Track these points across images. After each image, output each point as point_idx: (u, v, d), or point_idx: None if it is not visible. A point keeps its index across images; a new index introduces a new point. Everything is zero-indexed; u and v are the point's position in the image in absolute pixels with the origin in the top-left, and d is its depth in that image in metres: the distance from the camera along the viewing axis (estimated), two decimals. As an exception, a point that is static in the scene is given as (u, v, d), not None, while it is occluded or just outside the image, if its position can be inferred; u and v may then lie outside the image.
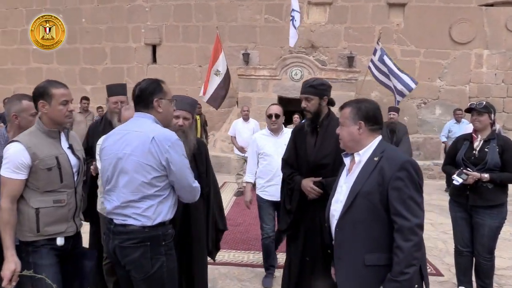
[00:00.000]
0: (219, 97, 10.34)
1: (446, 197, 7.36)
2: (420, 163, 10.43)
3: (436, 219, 6.68)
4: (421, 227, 1.93)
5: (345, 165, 2.23)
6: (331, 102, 3.11)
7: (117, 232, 2.27)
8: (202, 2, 12.05)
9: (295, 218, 3.15)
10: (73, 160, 2.45)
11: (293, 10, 9.72)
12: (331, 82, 11.01)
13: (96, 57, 12.63)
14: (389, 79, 9.43)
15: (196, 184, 2.39)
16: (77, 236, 2.52)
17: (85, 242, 2.86)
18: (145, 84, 2.34)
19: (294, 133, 3.31)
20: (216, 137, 11.59)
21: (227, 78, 10.35)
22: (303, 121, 3.52)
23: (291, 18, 9.79)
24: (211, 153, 9.93)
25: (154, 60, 12.49)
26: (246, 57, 10.59)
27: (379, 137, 2.12)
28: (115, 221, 2.30)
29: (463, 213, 3.73)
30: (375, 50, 9.61)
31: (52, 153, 2.35)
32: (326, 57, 11.65)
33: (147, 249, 2.24)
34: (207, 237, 3.15)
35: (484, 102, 3.68)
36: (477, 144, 3.63)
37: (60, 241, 2.37)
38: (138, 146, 2.22)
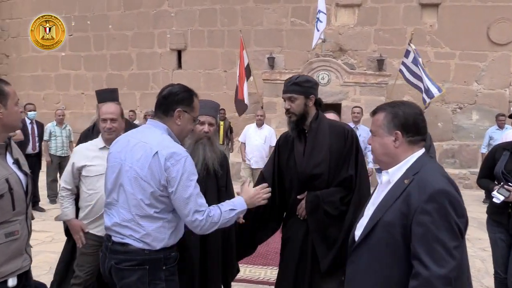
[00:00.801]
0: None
1: (484, 209, 6.88)
2: (455, 171, 9.89)
3: (473, 234, 6.17)
4: (445, 281, 1.46)
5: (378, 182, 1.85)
6: (319, 103, 2.69)
7: (114, 250, 2.05)
8: (227, 6, 11.88)
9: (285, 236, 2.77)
10: (23, 179, 1.95)
11: (319, 11, 9.38)
12: (360, 87, 10.60)
13: (123, 63, 12.66)
14: (421, 80, 8.91)
15: (195, 217, 1.99)
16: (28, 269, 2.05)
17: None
18: (177, 89, 2.13)
19: (278, 142, 2.90)
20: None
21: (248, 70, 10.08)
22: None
23: (316, 19, 9.46)
24: (235, 160, 9.76)
25: (180, 65, 12.41)
26: (271, 61, 10.32)
27: (420, 152, 1.69)
28: (113, 238, 2.07)
29: (504, 235, 3.26)
30: (408, 52, 9.15)
31: (1, 174, 1.83)
32: (355, 60, 11.24)
33: (146, 272, 2.00)
34: (224, 262, 2.84)
35: None
36: None
37: (12, 282, 1.88)
38: (140, 160, 2.00)
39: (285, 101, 2.67)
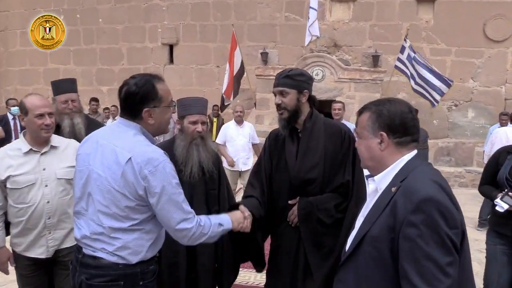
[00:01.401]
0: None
1: (479, 208, 6.75)
2: (451, 169, 9.76)
3: (470, 235, 5.92)
4: None
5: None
6: (313, 100, 2.47)
7: (85, 264, 1.81)
8: (220, 0, 11.64)
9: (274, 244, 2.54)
10: None
11: (310, 8, 9.18)
12: (355, 83, 10.42)
13: (113, 57, 12.39)
14: (421, 80, 8.70)
15: (183, 226, 1.80)
16: None
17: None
18: (134, 87, 1.79)
19: (268, 141, 2.63)
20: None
21: (240, 74, 9.89)
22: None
23: (308, 17, 9.28)
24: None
25: (171, 60, 12.16)
26: (265, 57, 10.12)
27: (411, 154, 1.49)
28: (83, 250, 1.84)
29: (506, 247, 2.90)
30: (403, 48, 8.97)
31: None
32: (350, 56, 11.06)
33: None
34: (218, 271, 2.63)
35: None
36: None
37: None
38: (110, 167, 1.75)
39: (275, 95, 2.43)
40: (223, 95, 9.55)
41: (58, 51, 12.71)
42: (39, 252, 2.47)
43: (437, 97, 8.60)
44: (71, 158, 2.42)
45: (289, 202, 2.43)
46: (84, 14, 12.54)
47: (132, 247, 1.77)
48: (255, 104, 10.53)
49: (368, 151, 1.53)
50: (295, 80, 2.38)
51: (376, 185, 1.51)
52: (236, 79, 9.73)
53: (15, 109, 7.04)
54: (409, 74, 8.81)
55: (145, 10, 12.12)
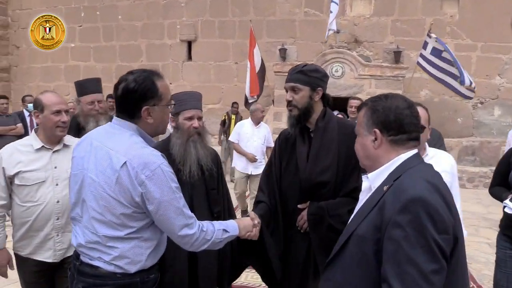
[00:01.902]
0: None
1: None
2: (475, 169, 9.44)
3: (494, 238, 5.78)
4: None
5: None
6: (327, 99, 2.33)
7: (82, 272, 1.73)
8: (239, -4, 11.54)
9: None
10: None
11: (332, 1, 9.01)
12: (376, 80, 10.14)
13: (132, 54, 12.42)
14: (451, 73, 8.39)
15: (185, 232, 1.69)
16: None
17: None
18: (133, 83, 1.67)
19: (278, 142, 2.48)
20: (252, 137, 11.06)
21: (263, 71, 9.81)
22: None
23: (330, 11, 9.11)
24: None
25: (190, 57, 12.12)
26: (283, 53, 9.95)
27: (409, 153, 1.39)
28: (81, 257, 1.75)
29: None
30: (425, 44, 8.69)
31: None
32: (371, 52, 10.80)
33: None
34: (219, 274, 2.50)
35: None
36: None
37: None
38: (104, 171, 1.64)
39: (287, 91, 2.28)
40: (247, 93, 9.51)
41: (79, 48, 12.92)
42: (46, 255, 2.39)
43: (470, 94, 8.34)
44: None
45: (299, 206, 2.29)
46: (104, 11, 12.62)
47: (130, 256, 1.67)
48: (273, 101, 10.41)
49: (363, 149, 1.46)
50: (308, 76, 2.23)
51: (369, 183, 1.44)
52: (260, 76, 9.70)
53: (31, 106, 7.11)
54: (431, 70, 8.54)
55: (164, 7, 12.11)
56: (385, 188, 1.32)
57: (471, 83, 8.29)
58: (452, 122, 9.73)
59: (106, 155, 1.66)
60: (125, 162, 1.61)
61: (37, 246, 2.38)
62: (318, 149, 2.25)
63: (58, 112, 2.36)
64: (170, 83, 12.18)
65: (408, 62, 9.80)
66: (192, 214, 1.75)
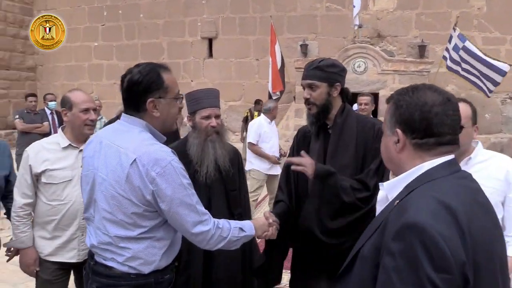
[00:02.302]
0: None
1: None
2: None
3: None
4: None
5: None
6: (346, 93, 2.22)
7: (97, 272, 1.71)
8: (260, -8, 11.46)
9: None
10: None
11: None
12: (399, 75, 9.88)
13: (154, 52, 12.50)
14: (473, 69, 8.12)
15: (199, 229, 1.65)
16: None
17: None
18: (137, 75, 1.64)
19: (296, 139, 2.41)
20: (273, 134, 11.00)
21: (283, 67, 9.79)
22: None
23: (353, 5, 8.98)
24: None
25: (211, 54, 12.13)
26: (304, 49, 9.83)
27: (435, 161, 1.13)
28: (95, 257, 1.74)
29: None
30: (451, 37, 8.43)
31: None
32: (394, 47, 10.57)
33: None
34: (243, 279, 2.42)
35: None
36: None
37: None
38: (114, 170, 1.61)
39: (304, 88, 2.19)
40: (270, 90, 9.46)
41: (102, 47, 13.09)
42: (69, 256, 2.37)
43: (491, 87, 8.01)
44: None
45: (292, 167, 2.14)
46: (126, 10, 12.74)
47: (143, 257, 1.64)
48: (294, 97, 10.30)
49: (386, 151, 1.24)
50: (325, 72, 2.13)
51: (385, 193, 1.25)
52: (282, 72, 9.65)
53: (52, 104, 7.20)
54: (450, 65, 8.30)
55: (184, 4, 12.14)
56: (396, 203, 1.12)
57: (503, 72, 7.92)
58: (480, 118, 9.33)
59: (115, 153, 1.63)
60: (134, 160, 1.57)
61: (59, 247, 2.37)
62: (335, 147, 2.16)
63: (86, 110, 2.37)
64: (191, 81, 12.23)
65: (433, 56, 9.54)
66: (206, 211, 1.71)
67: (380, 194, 1.29)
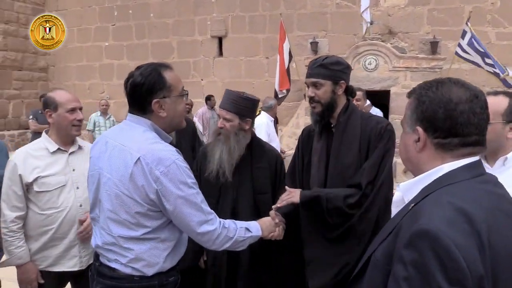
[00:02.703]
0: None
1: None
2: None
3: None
4: None
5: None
6: (350, 91, 2.20)
7: (101, 273, 1.71)
8: (269, -10, 11.41)
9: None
10: None
11: None
12: (411, 72, 9.78)
13: (164, 51, 12.53)
14: (484, 58, 8.05)
15: (205, 229, 1.63)
16: None
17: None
18: (139, 78, 1.63)
19: (301, 138, 2.39)
20: (283, 132, 10.96)
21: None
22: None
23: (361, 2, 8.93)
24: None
25: (220, 53, 12.11)
26: (315, 46, 9.77)
27: (458, 163, 1.05)
28: (100, 258, 1.73)
29: None
30: (464, 33, 8.31)
31: None
32: (406, 43, 10.44)
33: None
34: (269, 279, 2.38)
35: None
36: None
37: None
38: (118, 169, 1.60)
39: (308, 87, 2.16)
40: (276, 88, 9.42)
41: (112, 46, 13.15)
42: (71, 264, 2.28)
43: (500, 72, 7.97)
44: None
45: (273, 207, 2.14)
46: (136, 9, 12.78)
47: (146, 258, 1.63)
48: (304, 95, 10.24)
49: (405, 150, 1.16)
50: (330, 70, 2.11)
51: (402, 194, 1.17)
52: (289, 70, 9.60)
53: None
54: (472, 60, 8.18)
55: (194, 3, 12.14)
56: (411, 206, 1.05)
57: (504, 71, 7.91)
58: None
59: (119, 152, 1.63)
60: (138, 158, 1.56)
61: (58, 256, 2.26)
62: (339, 146, 2.13)
63: (73, 110, 2.26)
64: (201, 80, 12.24)
65: (445, 53, 9.41)
66: (212, 211, 1.70)
67: (396, 195, 1.22)
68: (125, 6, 12.92)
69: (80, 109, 2.33)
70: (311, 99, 2.14)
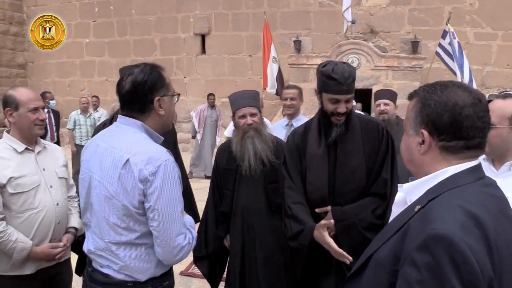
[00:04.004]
0: (278, 84, 9.69)
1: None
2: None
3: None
4: None
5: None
6: None
7: (94, 279, 1.68)
8: (253, -12, 11.41)
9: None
10: None
11: None
12: (392, 71, 9.94)
13: (146, 48, 12.42)
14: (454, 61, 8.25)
15: (177, 242, 1.57)
16: None
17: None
18: (141, 76, 1.59)
19: (288, 147, 2.36)
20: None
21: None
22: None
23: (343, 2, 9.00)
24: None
25: (203, 50, 12.06)
26: (298, 45, 9.82)
27: (462, 166, 1.08)
28: (93, 264, 1.70)
29: None
30: (445, 33, 8.47)
31: None
32: (387, 43, 10.59)
33: None
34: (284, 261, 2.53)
35: None
36: None
37: None
38: (108, 171, 1.58)
39: (337, 102, 2.10)
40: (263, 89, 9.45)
41: (93, 43, 12.96)
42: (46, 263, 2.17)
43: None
44: (61, 157, 2.31)
45: (317, 210, 2.17)
46: (117, 5, 12.62)
47: (137, 264, 1.60)
48: (288, 94, 10.29)
49: (408, 152, 1.17)
50: (353, 84, 2.14)
51: (404, 195, 1.19)
52: (279, 76, 9.60)
53: (53, 103, 7.11)
54: (448, 61, 8.36)
55: (177, 0, 12.05)
56: (417, 208, 1.05)
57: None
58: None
59: (109, 155, 1.61)
60: (128, 160, 1.54)
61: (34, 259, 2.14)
62: (345, 151, 2.16)
63: (35, 109, 2.13)
64: (184, 77, 12.17)
65: (426, 52, 9.58)
66: (186, 225, 1.66)
67: (398, 196, 1.23)
68: (106, 2, 12.74)
69: (43, 108, 2.22)
70: (343, 114, 2.11)
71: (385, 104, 3.74)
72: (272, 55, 9.44)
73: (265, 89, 9.58)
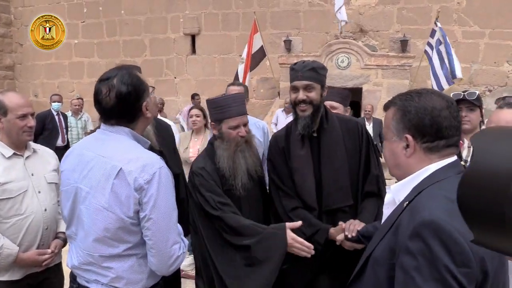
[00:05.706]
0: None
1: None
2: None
3: None
4: None
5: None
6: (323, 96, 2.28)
7: None
8: (242, -12, 11.40)
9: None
10: None
11: None
12: (382, 70, 9.98)
13: (136, 49, 12.34)
14: (443, 61, 8.37)
15: (173, 251, 1.54)
16: None
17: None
18: (125, 87, 1.53)
19: (271, 152, 2.34)
20: (258, 130, 10.99)
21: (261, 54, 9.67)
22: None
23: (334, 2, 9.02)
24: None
25: (194, 50, 12.02)
26: (288, 45, 9.86)
27: (442, 162, 1.18)
28: (78, 280, 1.64)
29: None
30: (433, 32, 8.56)
31: None
32: (377, 42, 10.66)
33: None
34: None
35: (477, 92, 2.44)
36: (466, 153, 2.42)
37: None
38: (98, 182, 1.51)
39: (297, 90, 2.15)
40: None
41: (82, 44, 12.85)
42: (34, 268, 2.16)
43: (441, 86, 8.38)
44: (53, 162, 2.27)
45: (337, 238, 2.08)
46: (106, 6, 12.52)
47: (128, 276, 1.54)
48: (278, 93, 10.31)
49: (393, 157, 1.25)
50: (319, 74, 2.17)
51: (392, 196, 1.27)
52: (255, 57, 9.51)
53: (55, 105, 6.99)
54: (433, 60, 8.49)
55: (166, 0, 12.00)
56: (405, 204, 1.15)
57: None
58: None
59: (99, 164, 1.53)
60: (120, 169, 1.48)
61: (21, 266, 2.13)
62: (328, 149, 2.17)
63: (24, 116, 2.10)
64: (175, 77, 12.13)
65: (415, 51, 9.66)
66: (181, 230, 1.65)
67: (387, 197, 1.30)
68: (95, 3, 12.64)
69: (32, 114, 2.17)
70: (302, 102, 2.12)
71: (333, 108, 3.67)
72: (242, 56, 9.44)
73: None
